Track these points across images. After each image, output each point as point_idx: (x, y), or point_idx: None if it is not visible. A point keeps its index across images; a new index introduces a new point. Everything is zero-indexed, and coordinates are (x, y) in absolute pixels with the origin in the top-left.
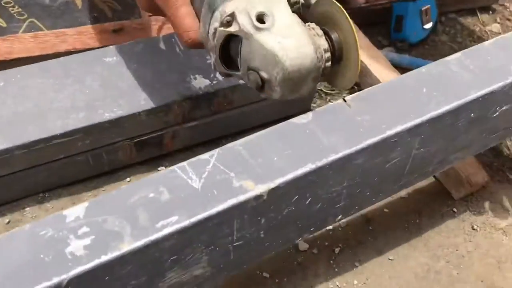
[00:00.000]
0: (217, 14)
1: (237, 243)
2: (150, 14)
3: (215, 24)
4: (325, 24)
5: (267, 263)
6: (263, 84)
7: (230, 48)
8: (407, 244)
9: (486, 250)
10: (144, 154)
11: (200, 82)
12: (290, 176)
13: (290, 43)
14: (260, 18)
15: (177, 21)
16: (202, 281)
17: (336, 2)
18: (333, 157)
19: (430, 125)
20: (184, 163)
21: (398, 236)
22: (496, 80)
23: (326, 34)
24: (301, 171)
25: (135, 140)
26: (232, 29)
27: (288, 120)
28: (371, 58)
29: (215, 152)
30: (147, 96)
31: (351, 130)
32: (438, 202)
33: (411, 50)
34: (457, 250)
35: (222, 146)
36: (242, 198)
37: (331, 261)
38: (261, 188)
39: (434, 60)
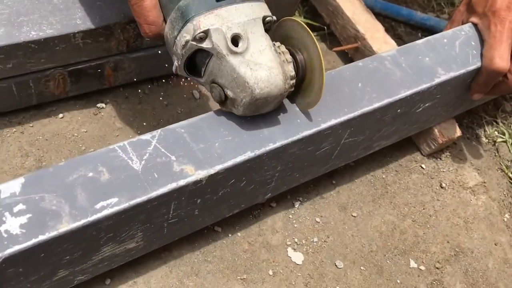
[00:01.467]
0: (190, 26)
1: (171, 221)
2: None
3: (186, 36)
4: (290, 43)
5: None
6: (225, 99)
7: (195, 56)
8: (372, 200)
9: (454, 209)
10: (81, 87)
11: None
12: (229, 163)
13: (262, 73)
14: (235, 40)
15: (141, 11)
16: (134, 253)
17: (302, 22)
18: (271, 146)
19: (360, 119)
20: (125, 143)
21: (363, 192)
22: (424, 81)
23: (292, 56)
24: (240, 159)
25: (69, 69)
26: (205, 45)
27: None
28: None
29: (157, 133)
30: (85, 14)
31: (289, 121)
32: (406, 158)
33: None
34: (423, 209)
35: (170, 84)
36: (182, 182)
37: (290, 216)
38: (201, 174)
39: (407, 7)
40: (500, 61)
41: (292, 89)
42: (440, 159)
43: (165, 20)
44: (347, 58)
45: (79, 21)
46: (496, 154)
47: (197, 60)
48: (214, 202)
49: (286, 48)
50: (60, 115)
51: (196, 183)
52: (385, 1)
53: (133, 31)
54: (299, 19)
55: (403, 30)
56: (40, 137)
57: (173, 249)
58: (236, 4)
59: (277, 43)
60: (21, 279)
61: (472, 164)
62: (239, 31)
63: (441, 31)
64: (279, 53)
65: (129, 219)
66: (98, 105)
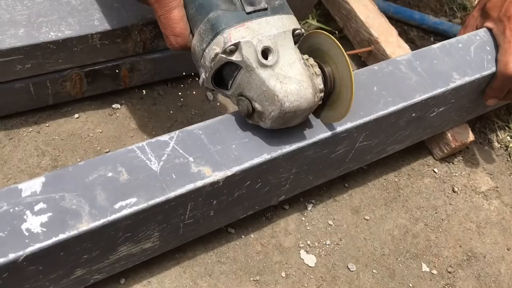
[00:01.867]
0: (220, 38)
1: (187, 221)
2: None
3: (216, 49)
4: (318, 55)
5: None
6: (253, 112)
7: (223, 69)
8: (384, 204)
9: (466, 214)
10: (97, 87)
11: None
12: (246, 165)
13: (292, 87)
14: (265, 53)
15: (168, 23)
16: (150, 253)
17: (330, 35)
18: (287, 149)
19: (376, 123)
20: (143, 143)
21: (375, 195)
22: (439, 85)
23: (320, 68)
24: (257, 161)
25: (86, 70)
26: (235, 58)
27: None
28: (357, 2)
29: (175, 134)
30: (103, 16)
31: (305, 124)
32: (418, 162)
33: None
34: (436, 213)
35: (185, 86)
36: (199, 184)
37: (303, 218)
38: (218, 175)
39: (419, 11)
40: None
41: (320, 102)
42: (453, 163)
43: (191, 32)
44: (360, 61)
45: (97, 22)
46: (509, 159)
47: (225, 72)
48: (229, 204)
49: (315, 61)
50: (76, 115)
51: (213, 184)
52: (398, 5)
53: (149, 33)
54: (313, 22)
55: (416, 34)
56: (56, 137)
57: (187, 249)
58: (267, 17)
59: (305, 56)
60: (40, 277)
61: (485, 168)
62: (269, 44)
63: (453, 35)
64: (308, 66)
65: (147, 219)
66: (113, 105)
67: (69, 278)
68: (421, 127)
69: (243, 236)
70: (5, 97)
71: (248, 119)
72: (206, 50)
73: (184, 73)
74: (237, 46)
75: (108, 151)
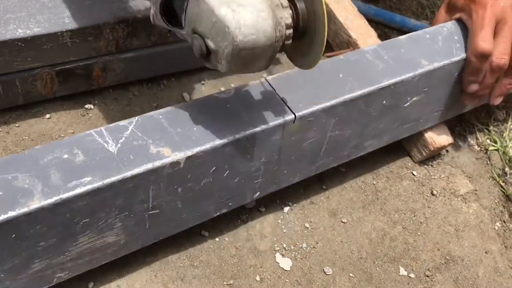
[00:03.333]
0: None
1: (152, 211)
2: None
3: None
4: None
5: (208, 220)
6: (208, 53)
7: (174, 1)
8: (362, 207)
9: (444, 217)
10: (69, 87)
11: (140, 3)
12: (207, 145)
13: (246, 15)
14: None
15: None
16: (116, 250)
17: None
18: (250, 130)
19: (344, 108)
20: (101, 128)
21: (353, 198)
22: (407, 70)
23: (291, 2)
24: (219, 142)
25: (57, 69)
26: None
27: (210, 94)
28: (336, 3)
29: (134, 119)
30: (74, 13)
31: (269, 107)
32: (397, 164)
33: (377, 1)
34: (414, 216)
35: (161, 87)
36: (158, 163)
37: (279, 221)
38: (178, 156)
39: (400, 14)
40: (483, 43)
41: (290, 41)
42: (432, 166)
43: None
44: None
45: (68, 19)
46: (488, 162)
47: (176, 6)
48: (197, 194)
49: None
50: (47, 116)
51: (174, 165)
52: (379, 8)
53: (122, 31)
54: None
55: (396, 36)
56: (26, 137)
57: (158, 252)
58: None
59: None
60: None
61: (464, 171)
62: None
63: None
64: None
65: (104, 202)
66: (86, 106)
67: (28, 272)
68: (396, 120)
69: (217, 239)
70: None
71: (206, 63)
72: None
73: (158, 73)
74: None
75: None
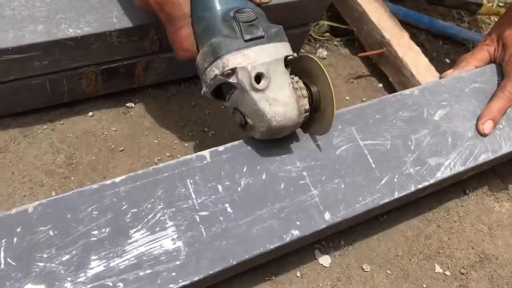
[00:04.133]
0: (219, 62)
1: None
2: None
3: (216, 70)
4: (308, 76)
5: None
6: (245, 124)
7: (222, 84)
8: (396, 205)
9: (477, 216)
10: (111, 85)
11: None
12: None
13: (279, 109)
14: (258, 78)
15: (177, 39)
16: None
17: (315, 59)
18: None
19: None
20: None
21: None
22: None
23: (307, 87)
24: None
25: (102, 67)
26: (231, 80)
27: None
28: (369, 4)
29: None
30: (121, 14)
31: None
32: None
33: (405, 2)
34: (448, 215)
35: (198, 86)
36: None
37: None
38: None
39: (428, 14)
40: None
41: (307, 118)
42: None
43: (198, 48)
44: (370, 63)
45: (115, 20)
46: None
47: (223, 88)
48: None
49: (303, 81)
50: (90, 113)
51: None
52: (407, 9)
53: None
54: (326, 22)
55: (425, 37)
56: (71, 135)
57: None
58: (263, 45)
59: (296, 78)
60: None
61: (495, 172)
62: (262, 70)
63: (461, 39)
64: (296, 88)
65: None
66: (127, 104)
67: None
68: None
69: None
70: (21, 93)
71: (242, 129)
72: (207, 70)
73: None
74: (233, 70)
75: (123, 150)
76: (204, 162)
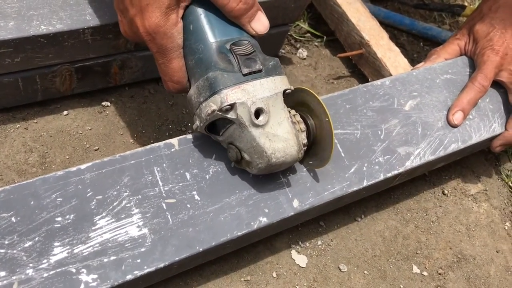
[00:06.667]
0: (217, 97)
1: None
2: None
3: (213, 106)
4: (303, 109)
5: None
6: (241, 159)
7: (216, 120)
8: (375, 206)
9: (456, 216)
10: (86, 84)
11: None
12: None
13: (279, 145)
14: (258, 113)
15: (168, 71)
16: None
17: (311, 91)
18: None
19: None
20: None
21: (366, 197)
22: None
23: (304, 121)
24: None
25: (76, 65)
26: (230, 116)
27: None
28: (348, 4)
29: None
30: (96, 11)
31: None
32: None
33: (386, 3)
34: (426, 215)
35: None
36: None
37: None
38: None
39: (409, 16)
40: None
41: (304, 152)
42: (443, 166)
43: (189, 80)
44: (351, 64)
45: (89, 17)
46: (497, 163)
47: (218, 122)
48: None
49: (299, 114)
50: (65, 112)
51: None
52: (388, 10)
53: None
54: (304, 26)
55: (406, 39)
56: (44, 134)
57: None
58: (261, 79)
59: (293, 111)
60: None
61: (474, 172)
62: (262, 105)
63: (442, 41)
64: (295, 122)
65: None
66: (103, 103)
67: None
68: None
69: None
70: None
71: (237, 165)
72: (203, 104)
73: None
74: (232, 106)
75: (98, 149)
76: (172, 150)
